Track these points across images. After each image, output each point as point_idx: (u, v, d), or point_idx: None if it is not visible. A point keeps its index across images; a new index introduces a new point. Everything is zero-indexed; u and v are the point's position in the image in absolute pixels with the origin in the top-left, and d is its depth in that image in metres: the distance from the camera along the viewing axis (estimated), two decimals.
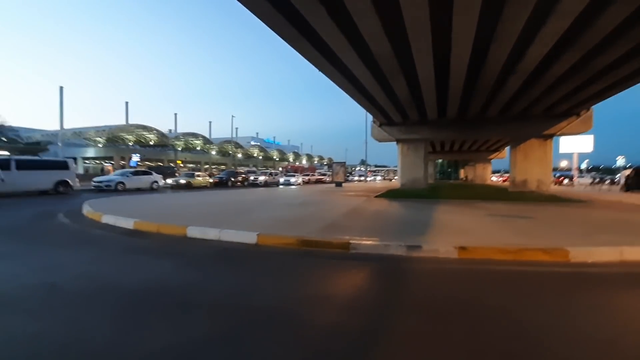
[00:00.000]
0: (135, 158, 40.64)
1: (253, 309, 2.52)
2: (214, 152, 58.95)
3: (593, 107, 16.99)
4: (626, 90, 13.64)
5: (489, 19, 7.66)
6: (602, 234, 5.14)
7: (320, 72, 11.54)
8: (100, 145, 46.98)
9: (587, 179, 38.57)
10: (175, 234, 5.43)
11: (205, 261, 4.01)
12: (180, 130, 64.20)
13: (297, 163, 75.53)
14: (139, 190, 18.15)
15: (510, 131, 18.57)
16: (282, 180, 31.91)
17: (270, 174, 32.63)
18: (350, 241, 4.46)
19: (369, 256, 4.18)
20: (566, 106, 15.58)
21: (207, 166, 55.70)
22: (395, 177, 38.80)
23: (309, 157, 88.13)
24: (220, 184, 25.54)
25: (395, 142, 21.28)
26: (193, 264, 3.88)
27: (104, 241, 5.16)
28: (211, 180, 25.55)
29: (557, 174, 35.78)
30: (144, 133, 48.34)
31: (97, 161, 47.10)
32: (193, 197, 13.10)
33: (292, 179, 32.43)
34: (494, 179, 50.52)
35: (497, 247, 4.21)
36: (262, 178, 29.39)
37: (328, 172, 43.75)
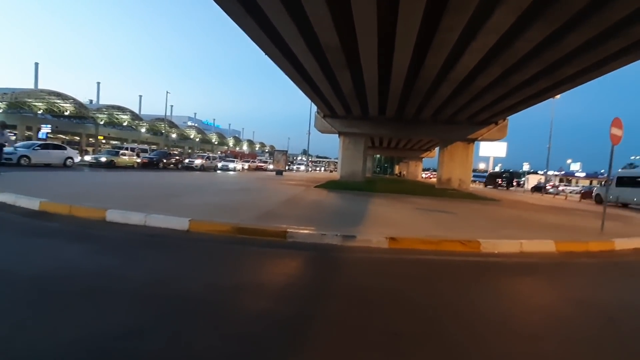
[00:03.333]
0: (46, 129, 35.27)
1: (179, 298, 2.36)
2: (144, 130, 53.80)
3: (509, 118, 19.39)
4: (533, 106, 15.84)
5: (429, 27, 8.17)
6: (506, 229, 5.93)
7: (267, 57, 11.20)
8: None
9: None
10: (91, 217, 4.83)
11: (127, 247, 3.64)
12: (103, 102, 57.08)
13: (237, 148, 72.91)
14: (48, 167, 15.81)
15: (439, 133, 20.31)
16: (220, 165, 30.53)
17: (208, 157, 31.00)
18: (288, 230, 4.45)
19: (305, 245, 4.22)
20: (486, 115, 17.51)
21: (135, 145, 50.68)
22: (336, 169, 39.82)
23: (250, 143, 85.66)
24: (150, 165, 23.45)
25: (337, 135, 21.79)
26: (111, 250, 3.49)
27: (2, 223, 4.38)
28: (139, 161, 23.29)
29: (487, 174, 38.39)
30: (58, 101, 41.96)
31: None
32: (116, 177, 11.84)
33: (231, 165, 31.25)
34: (424, 175, 54.94)
35: (422, 238, 4.58)
36: (198, 161, 27.74)
37: (269, 160, 43.06)
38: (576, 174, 58.80)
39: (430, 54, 9.72)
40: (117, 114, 49.54)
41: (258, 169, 37.66)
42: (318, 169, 70.46)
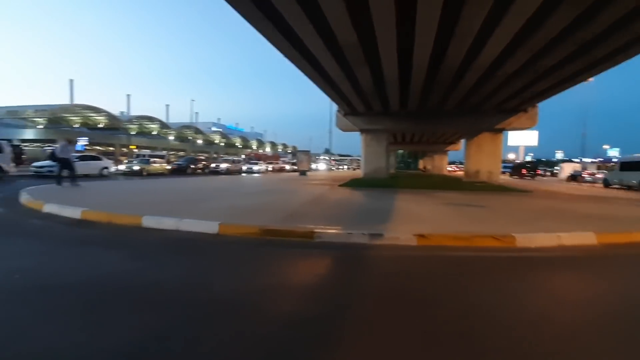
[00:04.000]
0: (82, 142, 37.45)
1: (213, 301, 2.43)
2: (172, 138, 55.94)
3: (539, 105, 18.45)
4: (566, 90, 14.96)
5: (450, 16, 7.92)
6: (543, 221, 5.64)
7: (286, 59, 11.30)
8: (40, 126, 42.51)
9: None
10: (128, 224, 5.09)
11: (162, 252, 3.81)
12: (134, 113, 59.86)
13: (260, 151, 74.16)
14: (86, 177, 16.79)
15: (465, 125, 19.63)
16: (244, 168, 31.20)
17: (233, 161, 31.76)
18: (315, 230, 4.47)
19: (332, 244, 4.22)
20: (516, 102, 16.74)
21: (164, 152, 52.79)
22: (359, 167, 39.56)
23: (273, 145, 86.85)
24: (179, 171, 24.39)
25: (359, 132, 21.62)
26: (149, 255, 3.67)
27: (46, 232, 4.71)
28: (169, 167, 24.29)
29: (512, 165, 37.48)
30: (92, 115, 44.54)
31: (37, 144, 42.71)
32: (148, 184, 12.38)
33: (255, 167, 31.85)
34: (449, 169, 53.41)
35: (452, 234, 4.45)
36: (224, 165, 28.52)
37: (292, 161, 43.46)
38: (614, 160, 54.96)
39: (452, 44, 9.42)
40: (147, 124, 51.87)
41: (282, 170, 38.11)
42: (341, 167, 70.27)
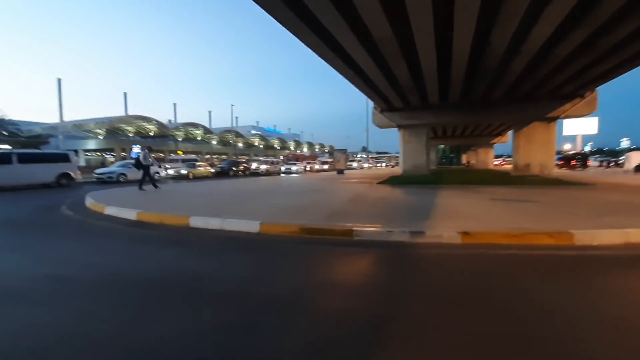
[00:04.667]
0: (136, 149, 40.59)
1: (263, 297, 2.52)
2: (214, 142, 58.70)
3: (597, 88, 16.71)
4: (629, 72, 13.37)
5: None
6: (606, 217, 5.10)
7: (319, 58, 11.34)
8: (100, 137, 46.79)
9: (592, 162, 38.46)
10: (178, 224, 5.44)
11: (210, 251, 4.01)
12: (180, 120, 63.64)
13: (298, 151, 75.32)
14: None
15: (514, 114, 18.32)
16: (283, 168, 31.87)
17: (272, 162, 32.59)
18: (354, 228, 4.44)
19: (372, 243, 4.17)
20: (571, 88, 15.31)
21: (207, 156, 55.57)
22: (397, 164, 38.64)
23: (310, 145, 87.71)
24: (222, 174, 25.57)
25: (396, 128, 21.10)
26: (198, 253, 3.88)
27: (108, 232, 5.17)
28: (213, 170, 25.54)
29: (561, 156, 35.37)
30: (144, 124, 48.07)
31: (98, 153, 47.07)
32: (195, 187, 13.10)
33: (294, 167, 32.40)
34: (496, 163, 50.29)
35: (501, 232, 4.18)
36: (263, 167, 29.38)
37: (330, 160, 43.57)
38: None
39: (497, 28, 8.83)
40: (192, 130, 54.92)
41: (320, 169, 38.37)
42: (379, 164, 69.13)
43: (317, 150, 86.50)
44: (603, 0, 7.53)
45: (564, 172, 23.16)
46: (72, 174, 14.92)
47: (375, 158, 78.99)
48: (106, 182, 17.21)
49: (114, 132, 47.63)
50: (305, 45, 10.10)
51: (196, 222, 5.32)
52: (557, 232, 4.09)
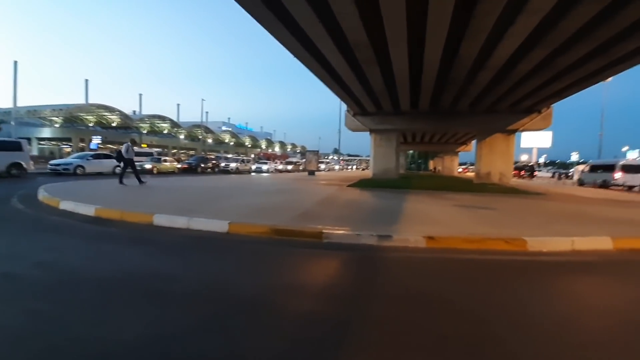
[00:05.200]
0: (97, 140, 38.27)
1: (230, 298, 2.47)
2: (182, 137, 56.70)
3: (553, 105, 18.04)
4: (581, 91, 14.59)
5: (463, 13, 7.80)
6: (555, 225, 5.52)
7: (295, 59, 11.31)
8: (57, 125, 43.58)
9: (545, 173, 42.02)
10: (140, 222, 5.18)
11: (176, 250, 3.87)
12: (145, 112, 60.80)
13: (269, 150, 74.57)
14: (100, 175, 17.14)
15: (478, 125, 19.33)
16: (254, 167, 31.39)
17: (242, 160, 32.00)
18: (323, 230, 4.47)
19: (341, 245, 4.21)
20: (530, 103, 16.40)
21: (174, 151, 53.51)
22: (368, 167, 39.36)
23: (282, 145, 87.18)
24: (189, 170, 24.70)
25: (368, 132, 21.51)
26: (162, 253, 3.73)
27: (63, 228, 4.82)
28: (179, 166, 24.62)
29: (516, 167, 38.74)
30: (106, 114, 45.49)
31: (54, 142, 43.83)
32: (159, 183, 12.56)
33: (265, 167, 32.01)
34: (460, 170, 52.74)
35: (463, 237, 4.39)
36: (233, 165, 28.76)
37: (301, 160, 43.47)
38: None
39: (465, 42, 9.28)
40: (158, 123, 52.72)
41: (291, 169, 38.22)
42: (349, 167, 70.06)
43: (289, 150, 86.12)
44: (560, 25, 8.14)
45: (519, 182, 24.75)
46: (24, 164, 13.76)
47: (347, 160, 79.97)
48: (62, 174, 16.05)
49: (73, 120, 44.61)
50: (282, 45, 10.05)
51: (160, 220, 5.10)
52: (512, 238, 4.36)
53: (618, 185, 19.86)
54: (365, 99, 16.51)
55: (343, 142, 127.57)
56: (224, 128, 73.83)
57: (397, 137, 21.00)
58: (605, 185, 20.56)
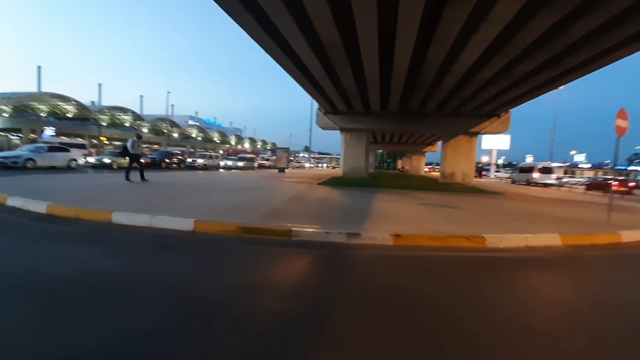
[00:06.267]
0: (49, 131, 35.49)
1: (193, 300, 2.38)
2: (146, 130, 53.97)
3: (511, 110, 19.21)
4: (537, 98, 15.66)
5: (431, 19, 8.08)
6: (511, 223, 5.89)
7: (268, 55, 11.15)
8: (5, 115, 39.81)
9: (504, 174, 44.82)
10: (98, 220, 4.87)
11: (136, 250, 3.67)
12: (106, 103, 57.18)
13: (239, 147, 73.04)
14: (53, 169, 15.92)
15: (444, 127, 20.16)
16: (222, 163, 30.59)
17: (210, 156, 31.07)
18: (293, 228, 4.45)
19: (310, 243, 4.22)
20: (491, 107, 17.35)
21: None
22: (338, 165, 39.73)
23: (252, 141, 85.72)
24: (153, 165, 23.54)
25: (339, 131, 21.71)
26: (122, 252, 3.52)
27: (11, 226, 4.43)
28: (142, 161, 23.38)
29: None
30: (60, 103, 42.20)
31: (2, 133, 40.01)
32: (120, 178, 11.90)
33: (233, 163, 31.29)
34: (426, 169, 54.77)
35: (428, 235, 4.56)
36: (200, 161, 27.84)
37: (272, 157, 42.95)
38: (580, 165, 58.46)
39: (433, 47, 9.62)
40: (119, 115, 49.83)
41: (261, 166, 37.68)
42: (320, 165, 70.38)
43: (259, 146, 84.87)
44: (518, 36, 8.67)
45: (479, 181, 26.17)
46: None
47: (317, 158, 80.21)
48: (10, 167, 14.72)
49: (23, 110, 40.99)
50: (254, 40, 9.86)
51: (120, 218, 4.83)
52: (473, 235, 4.60)
53: (537, 182, 26.66)
54: (336, 98, 16.64)
55: (314, 140, 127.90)
56: (190, 122, 71.17)
57: (367, 137, 21.40)
58: (528, 182, 27.22)
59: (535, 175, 27.03)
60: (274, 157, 33.94)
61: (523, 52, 9.82)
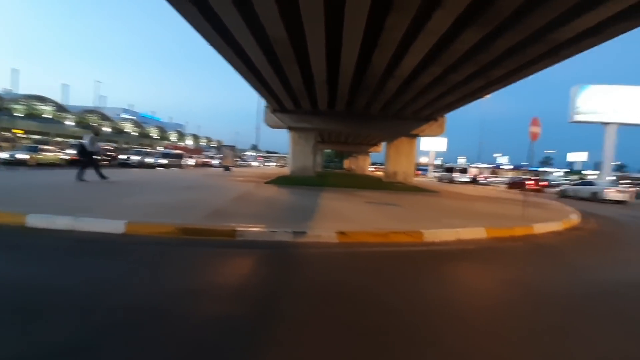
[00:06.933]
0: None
1: (121, 308, 2.16)
2: (71, 123, 48.28)
3: (446, 115, 20.84)
4: (469, 105, 17.21)
5: (375, 25, 8.40)
6: (445, 219, 6.39)
7: (211, 47, 10.66)
8: None
9: (436, 173, 48.72)
10: (8, 223, 4.21)
11: (56, 255, 3.24)
12: (23, 91, 49.90)
13: (180, 143, 68.91)
14: None
15: (387, 128, 21.14)
16: (160, 161, 28.46)
17: (147, 153, 28.75)
18: (237, 228, 4.31)
19: (255, 243, 4.13)
20: (429, 111, 18.61)
21: (59, 139, 45.23)
22: (286, 164, 39.50)
23: (195, 138, 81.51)
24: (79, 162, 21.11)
25: (287, 130, 21.61)
26: (38, 259, 3.09)
27: None
28: (66, 157, 20.83)
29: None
30: None
31: None
32: (38, 177, 10.48)
33: (173, 160, 29.23)
34: (371, 169, 57.05)
35: (371, 232, 4.75)
36: (135, 158, 25.62)
37: (217, 155, 41.18)
38: (502, 167, 65.87)
39: (377, 52, 10.02)
40: (38, 105, 43.94)
41: (205, 164, 35.96)
42: (268, 164, 69.43)
43: (203, 144, 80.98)
44: (451, 47, 9.43)
45: (419, 180, 27.99)
46: None
47: (265, 157, 78.95)
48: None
49: None
50: (195, 30, 9.35)
51: (36, 220, 4.23)
52: (412, 231, 4.89)
53: (456, 180, 33.78)
54: (284, 96, 16.52)
55: (262, 139, 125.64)
56: (124, 116, 65.36)
57: (315, 136, 21.61)
58: (450, 180, 34.32)
59: (455, 174, 36.29)
60: (220, 154, 32.55)
61: (456, 62, 10.70)
